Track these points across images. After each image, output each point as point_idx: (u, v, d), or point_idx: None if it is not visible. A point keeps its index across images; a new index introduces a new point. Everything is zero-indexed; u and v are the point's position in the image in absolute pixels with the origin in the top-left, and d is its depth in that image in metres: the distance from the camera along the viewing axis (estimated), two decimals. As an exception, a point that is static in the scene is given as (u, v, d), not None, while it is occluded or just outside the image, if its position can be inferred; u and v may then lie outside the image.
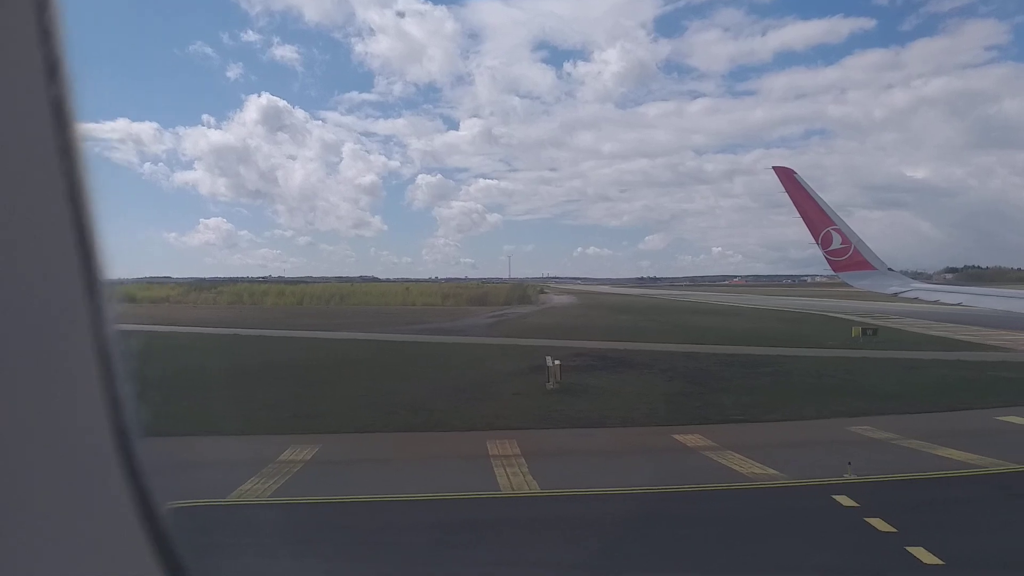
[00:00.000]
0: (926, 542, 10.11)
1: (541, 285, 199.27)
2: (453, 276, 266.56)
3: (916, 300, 13.74)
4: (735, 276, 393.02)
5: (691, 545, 10.91)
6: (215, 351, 38.19)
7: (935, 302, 13.40)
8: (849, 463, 14.56)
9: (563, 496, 13.45)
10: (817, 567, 9.93)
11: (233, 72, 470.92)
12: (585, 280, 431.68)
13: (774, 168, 15.52)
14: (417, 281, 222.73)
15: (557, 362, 25.33)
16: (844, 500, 12.47)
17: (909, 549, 9.98)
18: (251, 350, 37.53)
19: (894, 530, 10.85)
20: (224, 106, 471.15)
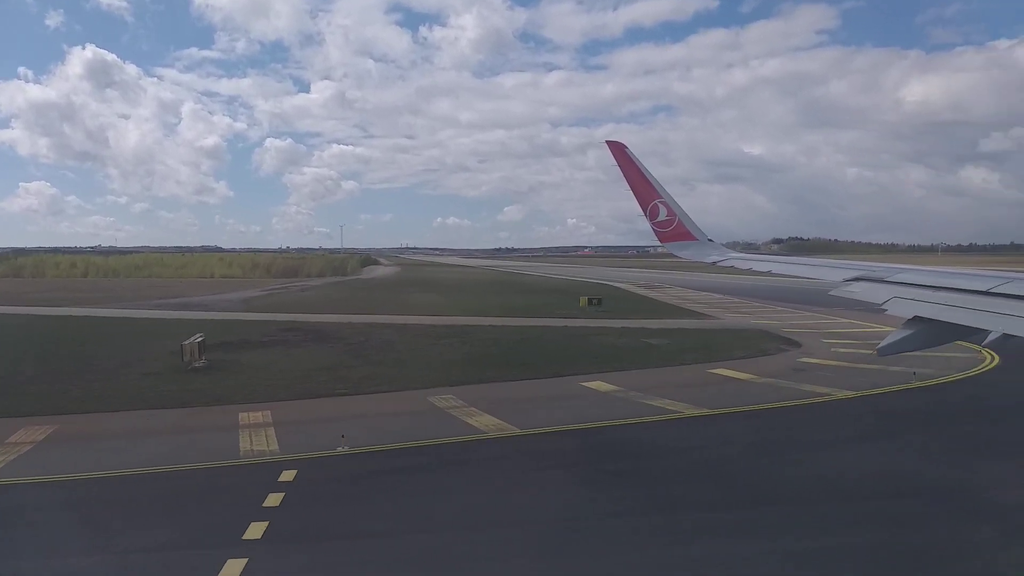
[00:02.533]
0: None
1: (379, 256, 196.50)
2: (306, 246, 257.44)
3: (732, 268, 14.24)
4: (586, 247, 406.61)
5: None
6: None
7: (748, 270, 13.71)
8: (343, 436, 14.96)
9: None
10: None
11: (52, 20, 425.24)
12: (442, 251, 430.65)
13: (607, 142, 15.81)
14: (265, 251, 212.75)
15: (198, 339, 24.49)
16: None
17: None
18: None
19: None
20: (43, 58, 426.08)
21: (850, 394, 19.71)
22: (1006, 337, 6.99)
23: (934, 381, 21.25)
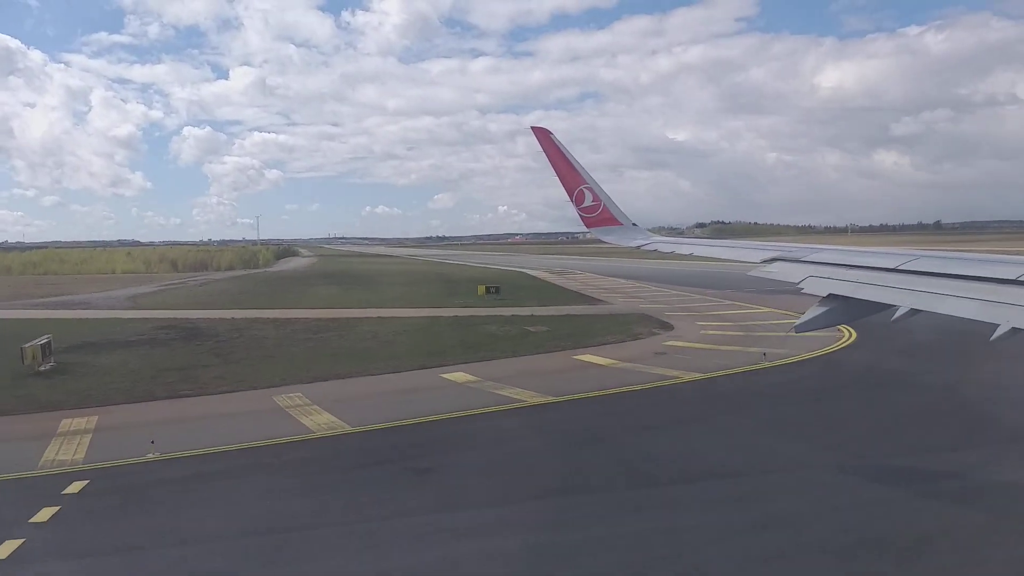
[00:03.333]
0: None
1: (303, 247, 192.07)
2: (230, 238, 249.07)
3: (655, 252, 14.40)
4: (517, 234, 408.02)
5: None
6: None
7: (671, 253, 13.94)
8: (152, 441, 14.29)
9: None
10: None
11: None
12: (372, 240, 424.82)
13: (532, 128, 15.75)
14: (185, 244, 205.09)
15: (42, 341, 23.10)
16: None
17: None
18: None
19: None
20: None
21: (696, 376, 20.08)
22: (913, 312, 7.19)
23: (782, 361, 21.89)
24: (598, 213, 15.13)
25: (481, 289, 44.32)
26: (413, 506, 11.09)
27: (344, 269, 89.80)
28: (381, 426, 15.79)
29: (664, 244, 14.42)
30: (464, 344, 26.20)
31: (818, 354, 22.89)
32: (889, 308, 7.47)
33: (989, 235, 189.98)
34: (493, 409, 17.01)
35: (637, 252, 16.84)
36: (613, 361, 22.69)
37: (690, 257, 14.08)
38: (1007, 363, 20.32)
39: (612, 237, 15.16)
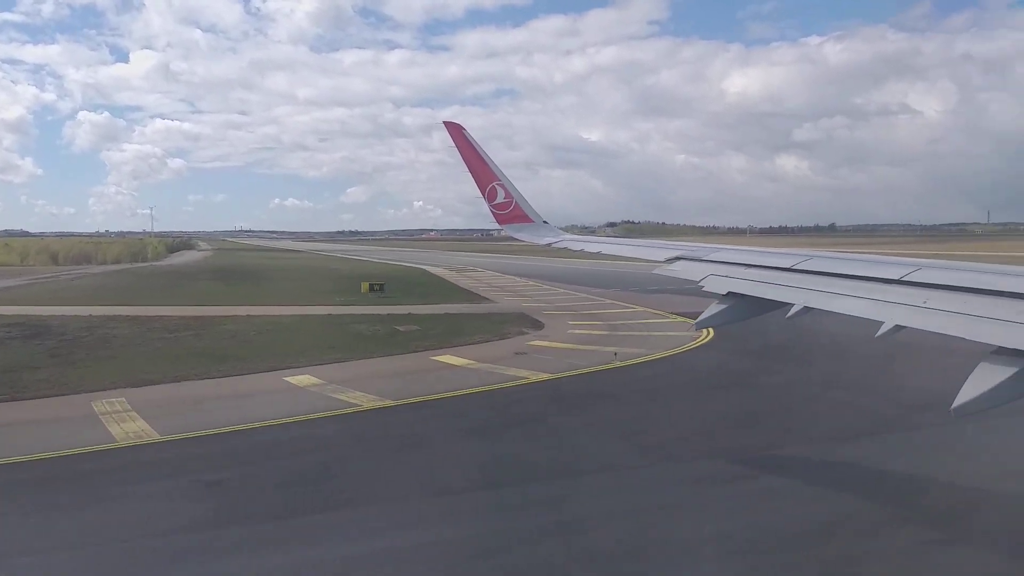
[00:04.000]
0: None
1: (204, 240, 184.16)
2: (130, 229, 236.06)
3: (566, 249, 14.53)
4: (432, 230, 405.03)
5: None
6: None
7: (580, 251, 14.20)
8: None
9: None
10: None
11: None
12: (281, 234, 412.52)
13: (445, 123, 15.61)
14: (79, 235, 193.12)
15: None
16: None
17: None
18: None
19: None
20: None
21: (545, 377, 20.03)
22: (806, 309, 7.52)
23: (632, 361, 22.18)
24: (510, 210, 15.21)
25: (364, 286, 43.38)
26: (182, 523, 10.40)
27: (236, 264, 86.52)
28: (193, 435, 14.90)
29: (574, 242, 14.56)
30: (324, 344, 25.38)
31: (669, 354, 23.35)
32: (785, 306, 7.76)
33: (879, 237, 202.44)
34: (322, 415, 16.38)
35: (548, 250, 16.90)
36: (469, 362, 22.43)
37: (598, 255, 14.52)
38: (849, 363, 21.38)
39: (523, 234, 15.27)
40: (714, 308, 8.67)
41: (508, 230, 15.68)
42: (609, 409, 17.49)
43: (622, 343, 25.40)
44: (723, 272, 9.18)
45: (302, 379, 20.16)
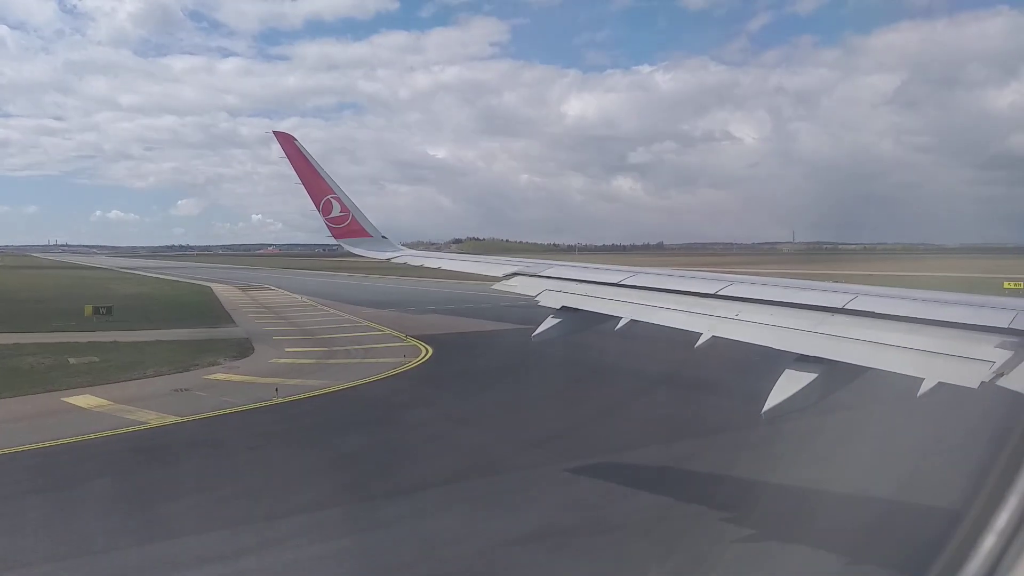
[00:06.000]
0: None
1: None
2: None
3: (405, 264, 14.51)
4: (271, 245, 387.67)
5: None
6: None
7: (420, 266, 14.19)
8: None
9: None
10: None
11: None
12: (102, 249, 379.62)
13: (275, 133, 15.15)
14: None
15: None
16: None
17: None
18: None
19: None
20: None
21: (169, 421, 17.35)
22: (633, 322, 7.95)
23: (298, 396, 20.03)
24: (346, 224, 14.77)
25: (88, 310, 38.48)
26: None
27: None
28: None
29: (413, 258, 14.51)
30: None
31: (348, 386, 21.47)
32: (615, 319, 8.13)
33: (704, 254, 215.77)
34: None
35: (388, 265, 16.30)
36: (104, 403, 19.21)
37: (438, 271, 14.20)
38: (541, 385, 20.92)
39: (361, 249, 14.88)
40: (549, 322, 8.80)
41: (345, 245, 15.01)
42: (206, 460, 14.97)
43: (315, 373, 23.34)
44: (557, 287, 9.41)
45: None
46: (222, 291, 62.72)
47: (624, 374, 22.76)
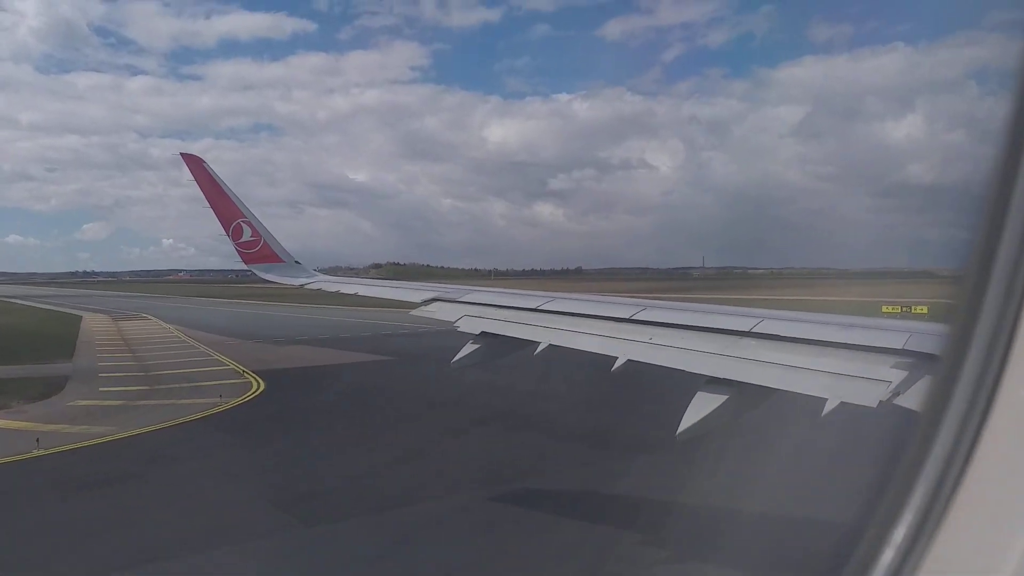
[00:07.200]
0: None
1: None
2: None
3: (320, 290, 14.16)
4: (181, 271, 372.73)
5: None
6: None
7: (336, 291, 13.79)
8: None
9: None
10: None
11: None
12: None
13: (182, 155, 14.60)
14: None
15: None
16: None
17: None
18: None
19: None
20: None
21: None
22: (552, 347, 8.00)
23: (63, 447, 17.12)
24: (257, 249, 14.35)
25: None
26: None
27: None
28: None
29: (328, 284, 14.14)
30: None
31: (135, 433, 18.70)
32: (534, 344, 8.19)
33: (621, 279, 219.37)
34: None
35: (303, 293, 15.92)
36: None
37: (355, 297, 13.59)
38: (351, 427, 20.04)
39: (272, 275, 14.45)
40: (468, 348, 8.78)
41: (256, 270, 14.56)
42: None
43: (109, 418, 20.60)
44: (476, 313, 9.39)
45: None
46: (91, 322, 57.52)
47: (471, 408, 21.98)
